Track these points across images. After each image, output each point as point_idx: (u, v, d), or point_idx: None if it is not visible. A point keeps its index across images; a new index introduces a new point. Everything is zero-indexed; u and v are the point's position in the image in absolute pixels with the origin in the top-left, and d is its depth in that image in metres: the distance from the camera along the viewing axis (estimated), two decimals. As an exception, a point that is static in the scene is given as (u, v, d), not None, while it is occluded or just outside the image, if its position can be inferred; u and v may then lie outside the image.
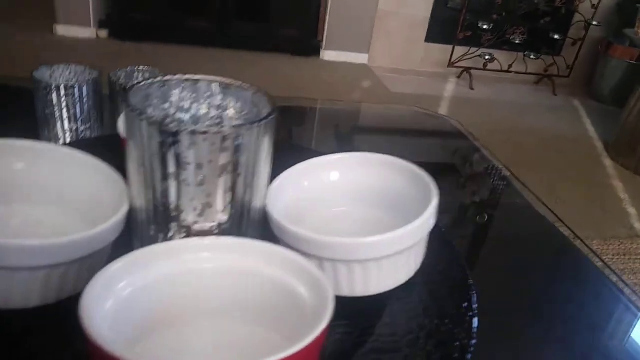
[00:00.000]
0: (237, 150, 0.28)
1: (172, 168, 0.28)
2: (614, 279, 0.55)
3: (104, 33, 3.06)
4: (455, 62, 3.23)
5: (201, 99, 0.33)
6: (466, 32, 3.11)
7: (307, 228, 0.33)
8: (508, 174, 0.82)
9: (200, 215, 0.29)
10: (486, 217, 0.65)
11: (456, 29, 3.12)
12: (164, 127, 0.26)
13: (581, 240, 0.62)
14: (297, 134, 0.89)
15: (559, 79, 3.33)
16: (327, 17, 3.20)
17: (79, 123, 0.65)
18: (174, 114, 0.33)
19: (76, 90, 0.64)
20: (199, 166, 0.28)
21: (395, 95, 2.88)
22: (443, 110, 2.82)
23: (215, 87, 0.33)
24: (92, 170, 0.34)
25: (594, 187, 2.17)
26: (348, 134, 0.92)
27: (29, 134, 0.64)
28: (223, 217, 0.30)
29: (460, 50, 3.19)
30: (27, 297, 0.28)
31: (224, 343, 0.28)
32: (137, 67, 0.71)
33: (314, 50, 3.30)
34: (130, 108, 0.27)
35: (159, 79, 0.32)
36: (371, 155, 0.39)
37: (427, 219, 0.32)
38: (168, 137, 0.27)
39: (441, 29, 3.26)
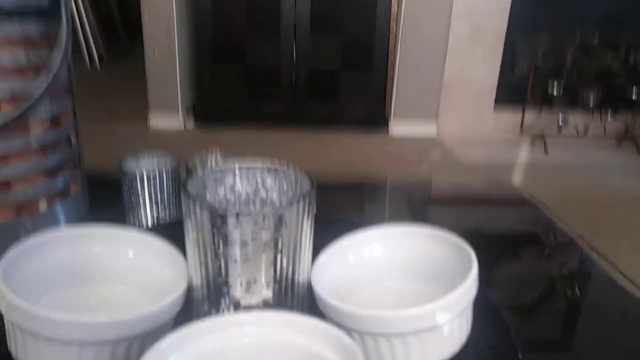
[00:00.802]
0: (277, 227, 0.31)
1: (221, 247, 0.31)
2: None
3: (190, 122, 3.34)
4: (527, 129, 3.17)
5: (251, 182, 0.37)
6: (536, 98, 3.07)
7: (352, 304, 0.34)
8: (580, 243, 0.79)
9: (247, 290, 0.32)
10: (556, 289, 0.62)
11: (525, 94, 3.09)
12: (212, 210, 0.30)
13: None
14: (366, 209, 0.91)
15: (642, 139, 3.16)
16: (394, 92, 3.30)
17: (160, 208, 0.72)
18: (226, 198, 0.37)
19: (157, 178, 0.71)
20: (244, 243, 0.31)
21: (467, 166, 2.85)
22: (517, 178, 2.74)
23: (263, 171, 0.37)
24: (158, 252, 0.38)
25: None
26: (418, 207, 0.93)
27: (117, 220, 0.71)
28: (268, 292, 0.32)
29: (531, 116, 3.14)
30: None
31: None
32: (209, 153, 0.78)
33: (382, 125, 3.38)
34: (186, 194, 0.31)
35: (214, 169, 0.36)
36: (412, 228, 0.40)
37: (466, 290, 0.33)
38: (217, 218, 0.30)
39: (510, 95, 3.24)
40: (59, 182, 0.69)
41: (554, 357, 0.47)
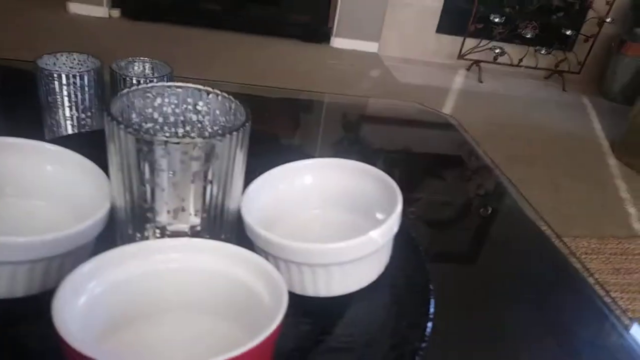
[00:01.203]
0: (207, 159, 0.30)
1: (147, 174, 0.30)
2: (591, 281, 0.56)
3: (116, 12, 3.08)
4: (466, 54, 3.22)
5: (182, 105, 0.35)
6: (478, 25, 3.09)
7: (280, 231, 0.35)
8: (497, 171, 0.84)
9: (174, 217, 0.32)
10: (465, 217, 0.67)
11: (468, 21, 3.10)
12: (139, 136, 0.28)
13: (560, 240, 0.63)
14: (300, 126, 0.91)
15: (569, 75, 3.31)
16: (339, 4, 3.19)
17: (80, 111, 0.67)
18: (152, 118, 0.35)
19: (77, 78, 0.66)
20: (171, 172, 0.30)
21: (404, 85, 2.88)
22: (451, 102, 2.81)
23: (195, 94, 0.35)
24: (79, 168, 0.36)
25: (597, 186, 2.17)
26: (350, 128, 0.94)
27: (33, 119, 0.66)
28: (195, 220, 0.32)
29: (471, 43, 3.18)
30: (12, 288, 0.30)
31: (189, 338, 0.30)
32: (137, 57, 0.73)
33: (324, 36, 3.29)
34: (109, 116, 0.29)
35: (141, 86, 0.34)
36: (344, 161, 0.41)
37: (390, 225, 0.34)
38: (143, 145, 0.29)
39: (453, 20, 3.25)
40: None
41: (459, 274, 0.51)
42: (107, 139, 0.30)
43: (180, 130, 0.36)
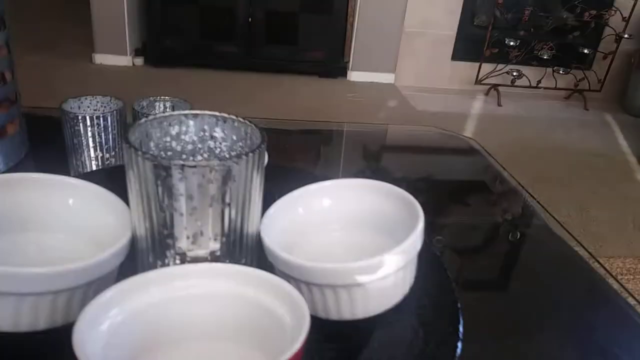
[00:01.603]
0: (225, 181, 0.30)
1: (165, 199, 0.30)
2: (632, 302, 0.53)
3: (139, 60, 3.19)
4: (483, 79, 3.22)
5: (199, 133, 0.36)
6: (493, 49, 3.10)
7: (300, 254, 0.34)
8: (524, 193, 0.82)
9: (193, 243, 0.32)
10: (492, 238, 0.65)
11: (483, 46, 3.12)
12: (156, 161, 0.29)
13: (595, 260, 0.61)
14: (320, 156, 0.91)
15: (590, 94, 3.28)
16: (354, 39, 3.25)
17: (105, 151, 0.69)
18: (171, 147, 0.35)
19: (101, 120, 0.68)
20: (189, 197, 0.30)
21: (422, 113, 2.89)
22: (471, 127, 2.80)
23: (211, 121, 0.36)
24: (100, 200, 0.37)
25: (627, 204, 2.11)
26: (370, 156, 0.94)
27: (59, 160, 0.68)
28: (215, 245, 0.32)
29: (487, 67, 3.18)
30: (35, 321, 0.30)
31: (211, 363, 0.30)
32: (158, 97, 0.75)
33: (340, 71, 3.34)
34: (127, 144, 0.30)
35: (159, 115, 0.34)
36: (363, 181, 0.40)
37: (411, 243, 0.33)
38: (160, 171, 0.29)
39: (468, 46, 3.26)
40: (-6, 123, 0.65)
41: (489, 298, 0.49)
42: (126, 167, 0.31)
43: (198, 157, 0.36)
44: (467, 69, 3.30)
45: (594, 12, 3.06)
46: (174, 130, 0.35)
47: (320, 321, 0.34)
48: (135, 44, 3.20)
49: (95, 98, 0.73)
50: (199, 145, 0.36)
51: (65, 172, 0.68)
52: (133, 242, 0.34)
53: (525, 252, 0.64)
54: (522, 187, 0.84)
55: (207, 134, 0.36)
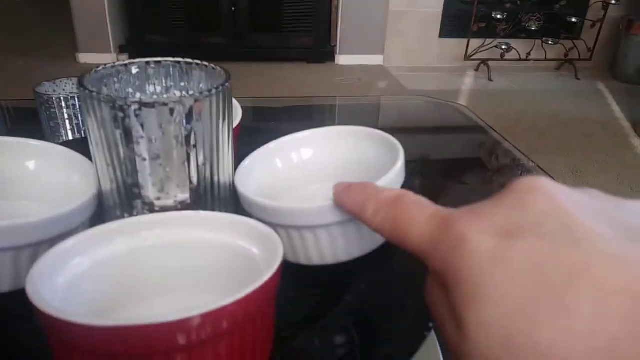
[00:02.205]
0: (188, 120, 0.28)
1: (126, 143, 0.28)
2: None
3: (124, 58, 3.15)
4: (472, 55, 3.20)
5: (161, 79, 0.34)
6: (480, 24, 3.08)
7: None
8: (518, 155, 0.80)
9: (160, 191, 0.30)
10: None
11: (470, 22, 3.09)
12: (111, 102, 0.27)
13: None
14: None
15: (580, 63, 3.26)
16: (339, 22, 3.22)
17: (83, 133, 0.67)
18: (131, 93, 0.33)
19: (76, 100, 0.66)
20: (150, 140, 0.28)
21: (414, 92, 2.86)
22: (462, 102, 2.78)
23: (175, 68, 0.34)
24: (63, 161, 0.35)
25: (623, 168, 2.10)
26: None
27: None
28: (184, 194, 0.30)
29: (476, 43, 3.16)
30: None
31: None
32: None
33: (328, 56, 3.31)
34: (82, 87, 0.28)
35: (118, 62, 0.33)
36: (340, 128, 0.39)
37: (391, 179, 0.32)
38: (117, 112, 0.27)
39: (455, 23, 3.24)
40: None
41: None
42: (84, 114, 0.29)
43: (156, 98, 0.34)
44: (456, 45, 3.28)
45: (579, -21, 3.03)
46: (134, 80, 0.33)
47: (304, 268, 0.32)
48: (119, 40, 3.17)
49: (71, 80, 0.71)
50: (164, 95, 0.35)
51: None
52: (100, 199, 0.32)
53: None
54: (517, 148, 0.83)
55: (169, 83, 0.34)
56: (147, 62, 0.34)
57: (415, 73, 3.24)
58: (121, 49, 3.16)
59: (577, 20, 3.15)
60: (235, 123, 0.42)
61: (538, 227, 0.16)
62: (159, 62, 0.34)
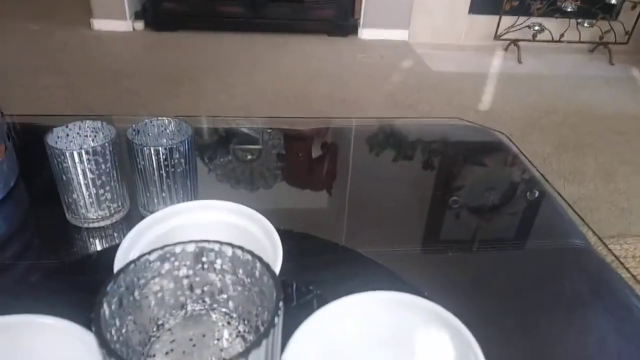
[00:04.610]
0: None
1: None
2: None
3: (140, 24, 3.04)
4: (502, 35, 3.04)
5: (196, 266, 0.28)
6: (513, 2, 2.91)
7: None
8: (552, 193, 0.75)
9: None
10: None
11: (502, -1, 2.92)
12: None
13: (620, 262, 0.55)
14: (335, 153, 0.83)
15: (616, 47, 3.09)
16: (364, -7, 3.06)
17: (98, 187, 0.62)
18: (163, 290, 0.28)
19: (91, 154, 0.60)
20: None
21: (438, 75, 2.74)
22: (490, 88, 2.66)
23: (211, 253, 0.28)
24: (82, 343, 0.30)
25: (658, 172, 2.00)
26: (390, 154, 0.86)
27: (52, 190, 0.61)
28: None
29: (507, 21, 3.00)
30: None
31: None
32: (155, 118, 0.66)
33: (351, 29, 3.18)
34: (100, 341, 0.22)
35: (143, 259, 0.26)
36: (393, 295, 0.32)
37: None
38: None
39: (485, -1, 3.07)
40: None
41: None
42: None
43: (197, 307, 0.28)
44: (486, 23, 3.11)
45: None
46: (164, 269, 0.27)
47: None
48: (134, 7, 3.05)
49: (85, 123, 0.65)
50: (196, 279, 0.29)
51: (59, 208, 0.61)
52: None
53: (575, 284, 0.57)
54: (559, 193, 0.76)
55: (206, 265, 0.28)
56: (175, 245, 0.27)
57: (440, 51, 3.09)
58: (136, 16, 3.05)
59: (616, 1, 2.96)
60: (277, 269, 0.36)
61: None
62: (194, 246, 0.28)
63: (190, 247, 0.27)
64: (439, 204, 0.72)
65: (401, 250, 0.59)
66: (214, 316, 0.29)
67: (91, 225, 0.64)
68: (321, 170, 0.81)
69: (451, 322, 0.31)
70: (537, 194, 0.77)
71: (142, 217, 0.43)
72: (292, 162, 0.81)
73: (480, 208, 0.71)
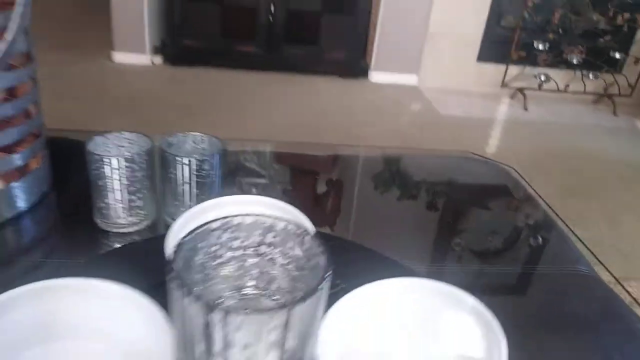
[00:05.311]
0: (287, 326, 0.26)
1: (218, 346, 0.26)
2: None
3: (158, 59, 3.15)
4: (509, 82, 3.13)
5: (250, 238, 0.31)
6: (520, 52, 3.01)
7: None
8: (565, 230, 0.77)
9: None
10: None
11: (510, 48, 3.02)
12: (210, 306, 0.24)
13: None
14: (344, 182, 0.86)
15: (620, 99, 3.17)
16: (376, 38, 3.18)
17: (131, 194, 0.65)
18: (219, 256, 0.31)
19: (129, 162, 0.64)
20: (246, 346, 0.25)
21: (446, 118, 2.81)
22: (496, 132, 2.73)
23: (264, 227, 0.31)
24: (140, 311, 0.33)
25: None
26: (399, 185, 0.89)
27: (83, 199, 0.64)
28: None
29: (514, 70, 3.09)
30: None
31: None
32: (188, 133, 0.70)
33: (362, 71, 3.28)
34: (174, 282, 0.25)
35: (205, 226, 0.30)
36: (428, 283, 0.35)
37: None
38: (215, 317, 0.24)
39: (494, 48, 3.17)
40: (17, 159, 0.62)
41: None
42: (169, 305, 0.26)
43: (251, 283, 0.31)
44: (493, 71, 3.21)
45: (627, 15, 2.94)
46: (222, 238, 0.31)
47: None
48: (154, 41, 3.17)
49: (123, 134, 0.69)
50: (249, 251, 0.32)
51: (89, 213, 0.64)
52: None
53: (567, 298, 0.59)
54: (568, 226, 0.79)
55: (258, 238, 0.32)
56: (235, 217, 0.31)
57: (449, 96, 3.18)
58: (155, 50, 3.17)
59: (620, 55, 3.06)
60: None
61: None
62: (247, 216, 0.31)
63: (249, 219, 0.30)
64: (447, 240, 0.74)
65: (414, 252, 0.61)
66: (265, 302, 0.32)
67: (120, 230, 0.67)
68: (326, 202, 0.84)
69: (475, 307, 0.33)
70: (547, 228, 0.80)
71: (168, 226, 0.46)
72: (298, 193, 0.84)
73: (488, 247, 0.73)
